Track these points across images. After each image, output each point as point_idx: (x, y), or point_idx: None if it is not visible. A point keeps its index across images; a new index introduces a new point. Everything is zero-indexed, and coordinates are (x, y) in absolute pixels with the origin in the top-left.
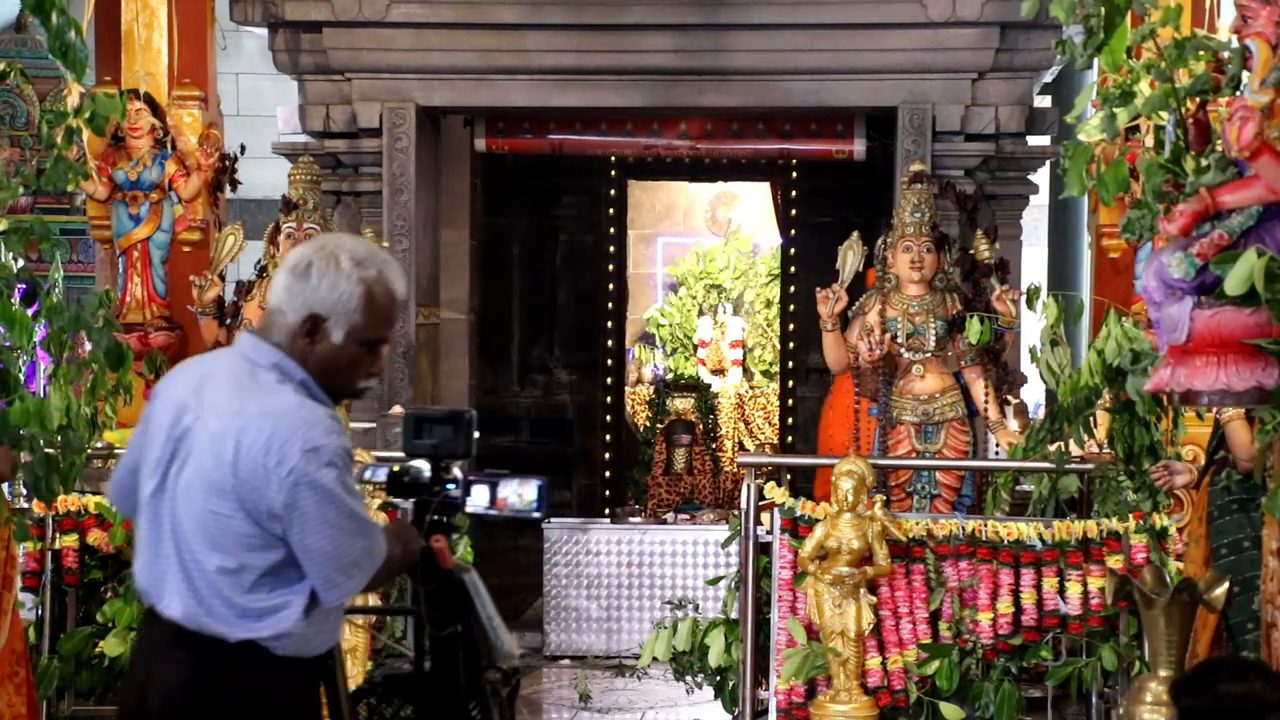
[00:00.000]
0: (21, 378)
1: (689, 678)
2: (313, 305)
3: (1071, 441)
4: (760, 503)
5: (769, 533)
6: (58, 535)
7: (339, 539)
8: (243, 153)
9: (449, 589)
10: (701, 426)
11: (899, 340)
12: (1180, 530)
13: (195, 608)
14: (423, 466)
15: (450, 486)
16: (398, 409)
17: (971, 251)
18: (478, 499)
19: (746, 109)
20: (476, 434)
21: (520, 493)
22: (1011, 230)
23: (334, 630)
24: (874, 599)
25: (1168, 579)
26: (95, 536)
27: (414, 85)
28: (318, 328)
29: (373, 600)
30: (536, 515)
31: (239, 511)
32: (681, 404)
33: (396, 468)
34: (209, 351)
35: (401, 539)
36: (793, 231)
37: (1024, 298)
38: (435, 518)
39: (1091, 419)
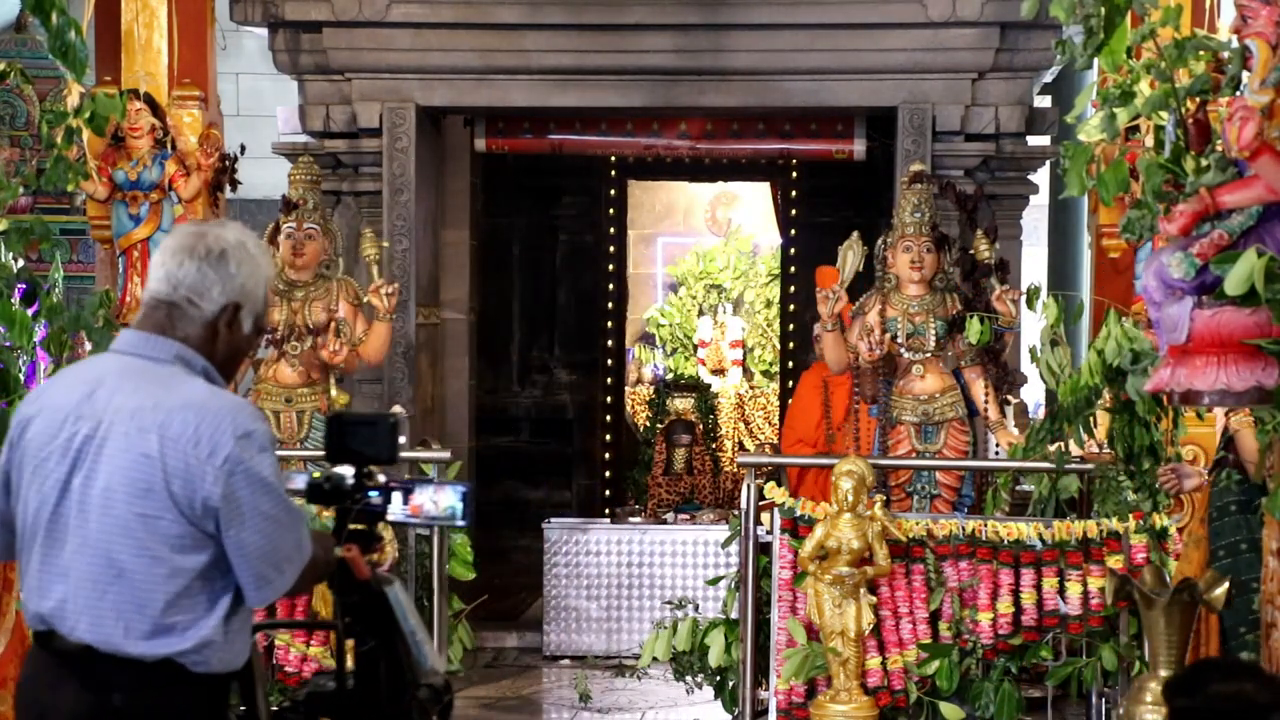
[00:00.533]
0: (21, 378)
1: (689, 678)
2: (234, 294)
3: (1071, 441)
4: (760, 503)
5: (769, 533)
6: None
7: (272, 531)
8: (243, 153)
9: (369, 602)
10: (701, 426)
11: (899, 340)
12: (1180, 530)
13: (111, 627)
14: (345, 473)
15: (373, 494)
16: (398, 409)
17: (971, 251)
18: (394, 506)
19: (746, 109)
20: (402, 439)
21: (436, 499)
22: (1011, 230)
23: (246, 645)
24: (874, 599)
25: (1168, 579)
26: None
27: (414, 85)
28: (235, 316)
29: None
30: (461, 523)
31: (170, 510)
32: (681, 404)
33: (317, 474)
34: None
35: (322, 544)
36: (793, 231)
37: (1024, 298)
38: (354, 526)
39: (1091, 419)
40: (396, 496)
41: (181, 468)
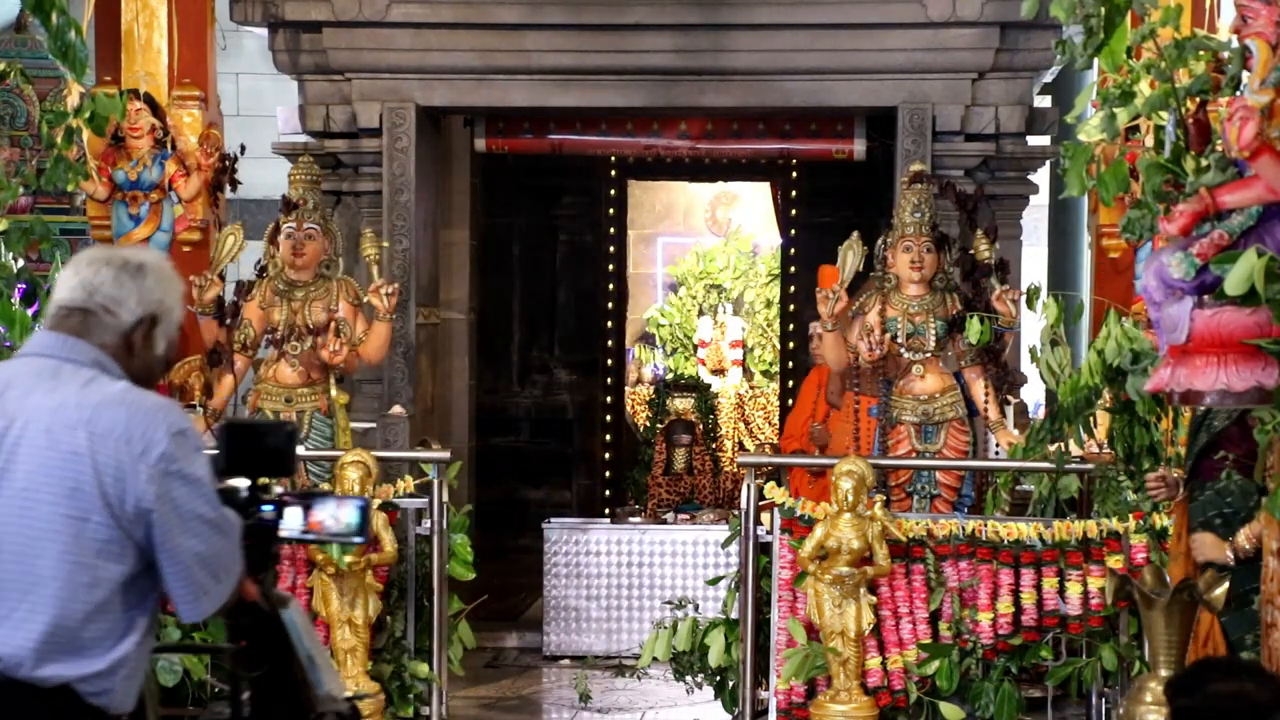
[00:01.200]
0: None
1: (689, 678)
2: (151, 307)
3: (1071, 441)
4: (760, 503)
5: (769, 533)
6: None
7: (210, 537)
8: (243, 153)
9: (262, 625)
10: (701, 426)
11: (899, 340)
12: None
13: (19, 642)
14: (238, 485)
15: (266, 508)
16: (398, 409)
17: (971, 251)
18: (290, 522)
19: (746, 109)
20: (301, 449)
21: (337, 515)
22: (1011, 230)
23: (140, 684)
24: (874, 599)
25: (1168, 579)
26: None
27: (414, 85)
28: (150, 331)
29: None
30: (357, 540)
31: (99, 511)
32: (681, 404)
33: None
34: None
35: None
36: (793, 231)
37: (1024, 298)
38: (247, 543)
39: (1091, 419)
40: (293, 511)
41: (113, 465)
